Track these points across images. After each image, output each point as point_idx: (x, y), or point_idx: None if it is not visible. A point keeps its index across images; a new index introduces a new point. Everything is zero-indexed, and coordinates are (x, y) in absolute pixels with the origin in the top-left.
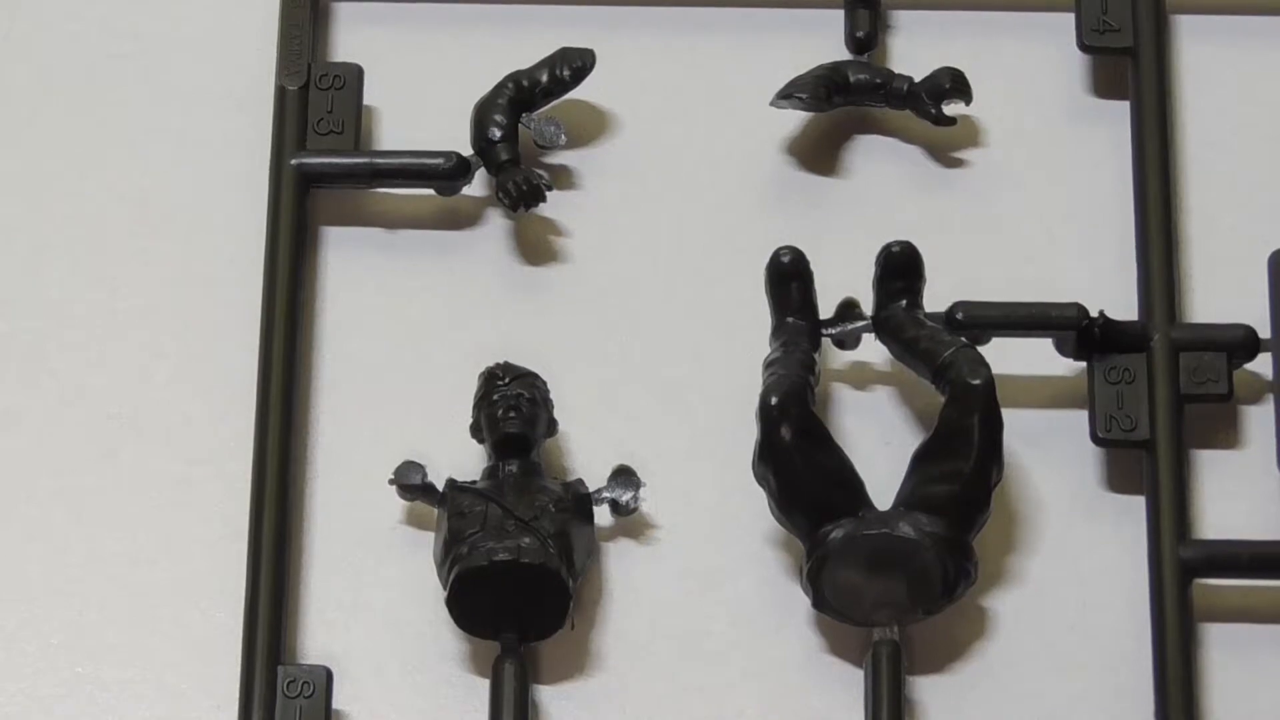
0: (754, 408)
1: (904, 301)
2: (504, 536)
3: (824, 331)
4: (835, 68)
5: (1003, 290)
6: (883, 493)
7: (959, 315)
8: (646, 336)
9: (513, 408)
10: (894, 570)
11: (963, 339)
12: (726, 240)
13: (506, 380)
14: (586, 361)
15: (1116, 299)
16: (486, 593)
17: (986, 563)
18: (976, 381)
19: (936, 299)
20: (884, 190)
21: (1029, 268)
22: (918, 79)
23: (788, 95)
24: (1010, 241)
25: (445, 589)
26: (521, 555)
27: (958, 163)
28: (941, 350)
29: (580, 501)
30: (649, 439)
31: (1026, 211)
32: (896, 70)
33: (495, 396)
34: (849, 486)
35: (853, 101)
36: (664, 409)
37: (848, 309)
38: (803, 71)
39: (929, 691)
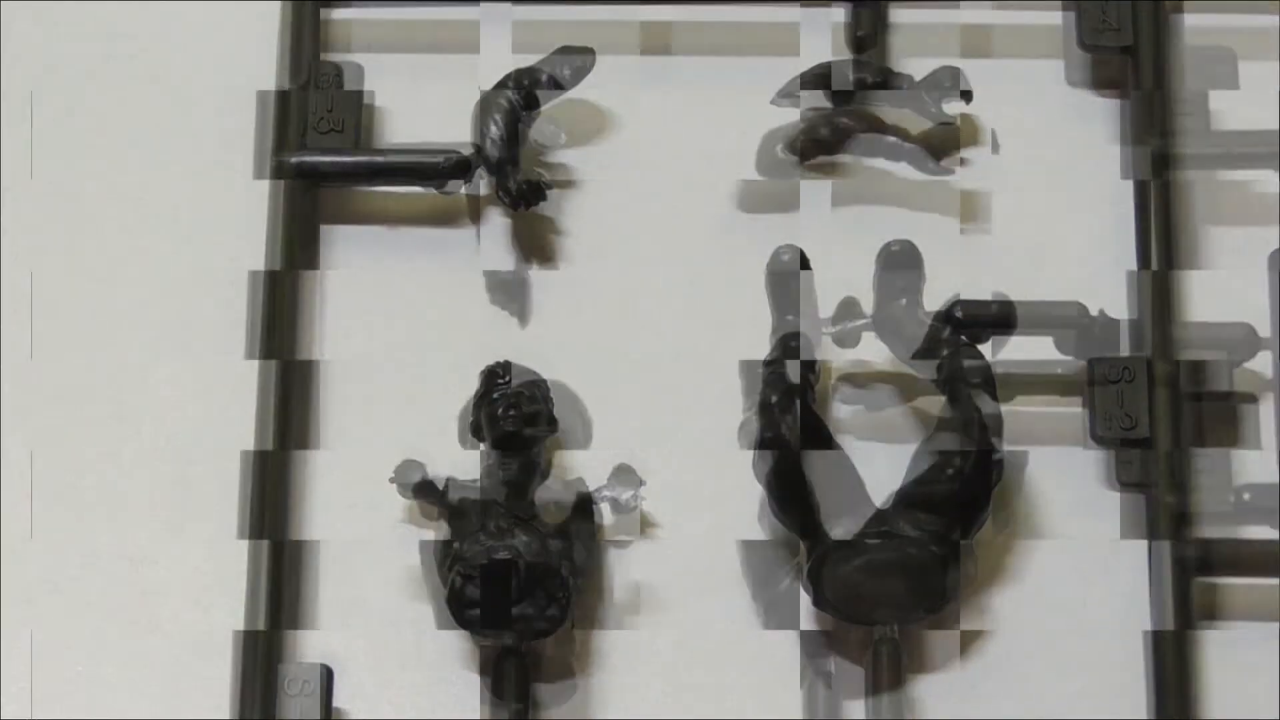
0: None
1: (904, 300)
2: (504, 535)
3: (824, 330)
4: (835, 66)
5: (1003, 290)
6: (883, 492)
7: (959, 314)
8: (646, 336)
9: (512, 406)
10: (894, 569)
11: (962, 338)
12: (726, 240)
13: (506, 379)
14: (586, 361)
15: (1116, 298)
16: (486, 591)
17: (986, 562)
18: (976, 380)
19: (936, 298)
20: (884, 190)
21: (1029, 267)
22: (918, 78)
23: (788, 94)
24: (1010, 241)
25: (445, 588)
26: (521, 554)
27: (958, 162)
28: (941, 349)
29: (580, 500)
30: (649, 439)
31: (1026, 211)
32: (897, 69)
33: (495, 395)
34: (849, 485)
35: (853, 100)
36: (664, 409)
37: (847, 308)
38: (803, 70)
39: (929, 690)
